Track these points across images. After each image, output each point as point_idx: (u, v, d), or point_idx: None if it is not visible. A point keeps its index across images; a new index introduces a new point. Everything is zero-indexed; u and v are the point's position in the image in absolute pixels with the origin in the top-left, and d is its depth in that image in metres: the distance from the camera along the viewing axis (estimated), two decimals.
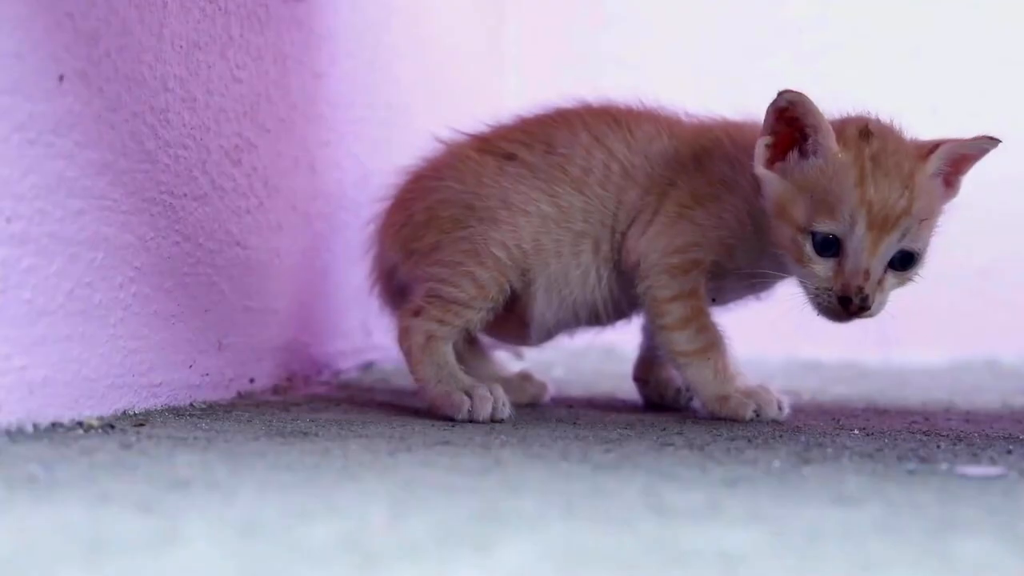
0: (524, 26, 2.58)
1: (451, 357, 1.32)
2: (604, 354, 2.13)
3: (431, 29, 2.07)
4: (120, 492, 0.79)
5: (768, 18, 2.43)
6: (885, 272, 1.22)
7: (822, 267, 1.22)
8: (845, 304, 1.21)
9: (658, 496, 0.83)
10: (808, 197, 1.22)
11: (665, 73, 2.49)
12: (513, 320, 1.37)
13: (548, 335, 1.42)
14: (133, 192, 1.16)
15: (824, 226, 1.21)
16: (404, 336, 1.33)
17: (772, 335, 2.29)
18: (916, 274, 1.25)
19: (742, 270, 1.32)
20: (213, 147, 1.30)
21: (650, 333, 1.43)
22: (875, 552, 0.68)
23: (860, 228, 1.19)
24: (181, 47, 1.23)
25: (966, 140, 1.24)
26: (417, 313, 1.32)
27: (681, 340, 1.31)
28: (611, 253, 1.34)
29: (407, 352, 1.32)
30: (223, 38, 1.32)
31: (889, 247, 1.20)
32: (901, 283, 1.24)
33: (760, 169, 1.26)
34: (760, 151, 1.26)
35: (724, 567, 0.64)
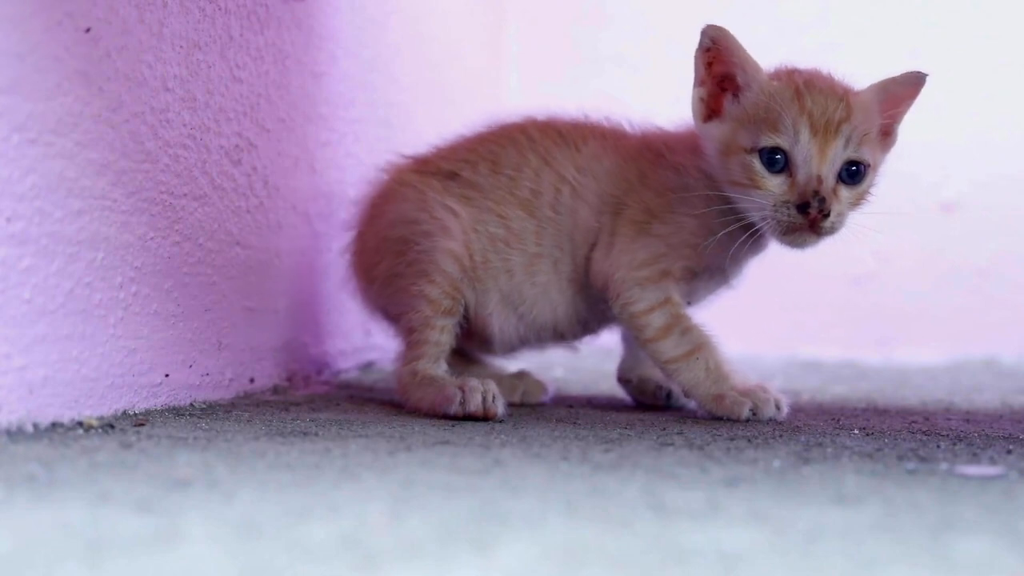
0: (524, 26, 2.58)
1: (439, 372, 1.32)
2: (604, 354, 2.13)
3: (431, 29, 2.07)
4: (120, 491, 0.79)
5: (768, 18, 2.43)
6: (837, 183, 1.23)
7: (775, 183, 1.23)
8: (804, 211, 1.21)
9: (658, 496, 0.83)
10: (750, 124, 1.24)
11: (665, 73, 2.49)
12: (477, 334, 1.39)
13: (512, 349, 1.44)
14: (133, 192, 1.16)
15: (769, 140, 1.23)
16: (397, 383, 1.35)
17: (772, 335, 2.31)
18: (867, 193, 1.26)
19: (713, 267, 1.33)
20: (213, 147, 1.30)
21: (630, 340, 1.44)
22: (875, 551, 0.68)
23: (804, 135, 1.21)
24: (181, 47, 1.23)
25: (896, 76, 1.27)
26: (402, 362, 1.34)
27: (667, 348, 1.31)
28: (573, 273, 1.35)
29: (402, 394, 1.33)
30: (223, 38, 1.32)
31: (836, 153, 1.22)
32: (855, 201, 1.25)
33: (699, 124, 1.28)
34: (696, 105, 1.29)
35: (724, 566, 0.64)
